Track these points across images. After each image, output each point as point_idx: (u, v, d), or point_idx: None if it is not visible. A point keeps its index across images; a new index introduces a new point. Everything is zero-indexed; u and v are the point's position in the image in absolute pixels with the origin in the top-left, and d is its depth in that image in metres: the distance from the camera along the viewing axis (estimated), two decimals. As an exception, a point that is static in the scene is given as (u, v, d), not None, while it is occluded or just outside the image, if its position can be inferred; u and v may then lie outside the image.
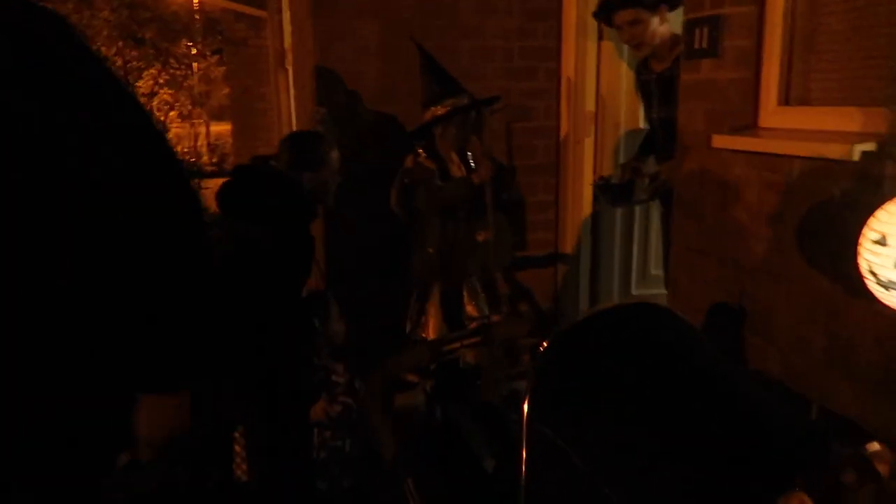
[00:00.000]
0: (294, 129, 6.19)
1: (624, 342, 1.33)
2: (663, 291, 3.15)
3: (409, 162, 2.92)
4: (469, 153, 2.98)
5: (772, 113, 2.03)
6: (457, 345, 1.96)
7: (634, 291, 3.61)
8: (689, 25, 2.24)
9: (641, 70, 2.95)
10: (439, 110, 2.80)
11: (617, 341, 1.33)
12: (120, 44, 13.98)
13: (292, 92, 5.70)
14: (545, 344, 1.27)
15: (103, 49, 13.73)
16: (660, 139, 2.87)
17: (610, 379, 1.29)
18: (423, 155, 2.88)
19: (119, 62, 14.12)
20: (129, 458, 1.31)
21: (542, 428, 1.22)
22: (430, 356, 1.98)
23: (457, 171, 2.92)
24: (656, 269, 3.55)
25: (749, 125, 2.09)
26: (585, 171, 3.47)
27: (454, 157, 2.94)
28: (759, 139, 2.00)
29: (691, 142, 2.31)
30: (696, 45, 2.19)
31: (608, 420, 1.22)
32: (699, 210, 2.34)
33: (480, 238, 3.03)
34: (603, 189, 2.97)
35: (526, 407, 1.22)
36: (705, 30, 2.14)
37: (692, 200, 2.38)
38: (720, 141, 2.11)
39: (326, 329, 2.43)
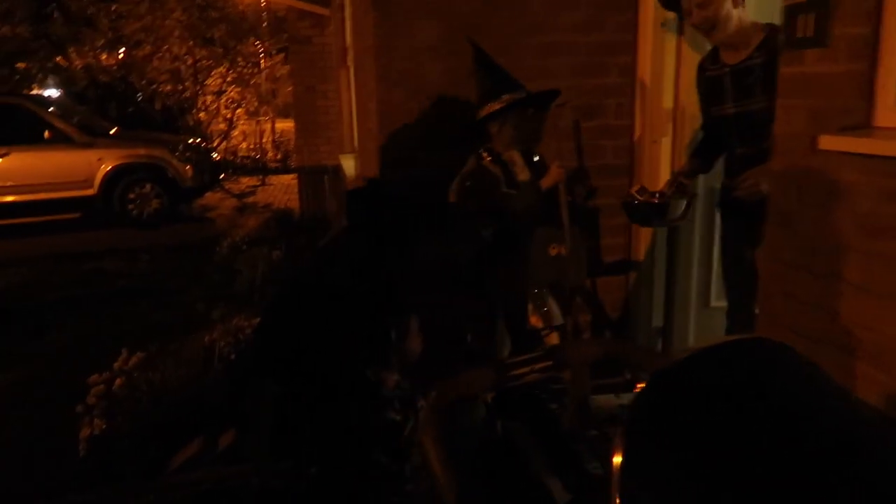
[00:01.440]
0: (354, 127, 6.11)
1: (736, 387, 1.12)
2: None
3: (471, 164, 2.75)
4: (535, 156, 2.79)
5: (891, 110, 1.76)
6: (525, 369, 1.77)
7: (714, 303, 3.34)
8: (791, 11, 1.99)
9: (708, 65, 2.69)
10: (494, 106, 2.63)
11: (727, 386, 1.11)
12: (190, 43, 14.37)
13: (353, 89, 5.63)
14: (640, 386, 1.07)
15: (175, 49, 14.12)
16: (734, 142, 2.63)
17: (722, 433, 1.08)
18: (488, 158, 2.71)
19: (190, 61, 14.51)
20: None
21: (639, 491, 1.02)
22: (494, 381, 1.80)
23: (522, 174, 2.74)
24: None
25: (862, 124, 1.83)
26: (662, 172, 3.22)
27: (517, 158, 2.75)
28: (876, 140, 1.74)
29: (790, 144, 2.06)
30: (800, 34, 1.94)
31: (719, 485, 1.02)
32: (796, 219, 2.09)
33: (553, 252, 2.84)
34: (630, 209, 2.76)
35: (617, 461, 1.04)
36: (811, 16, 1.89)
37: (788, 209, 2.12)
38: (828, 142, 1.85)
39: (402, 344, 2.27)
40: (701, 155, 2.85)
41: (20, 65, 14.28)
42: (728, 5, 2.46)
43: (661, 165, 3.20)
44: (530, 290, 3.06)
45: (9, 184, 8.60)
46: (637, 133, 3.26)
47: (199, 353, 3.80)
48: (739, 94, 2.56)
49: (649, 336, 3.40)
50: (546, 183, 2.71)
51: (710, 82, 2.69)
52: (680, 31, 3.10)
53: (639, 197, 2.71)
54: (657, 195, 2.73)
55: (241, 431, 3.41)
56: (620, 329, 3.47)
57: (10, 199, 8.62)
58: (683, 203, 2.75)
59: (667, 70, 3.14)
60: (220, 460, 3.29)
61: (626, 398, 3.29)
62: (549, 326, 3.09)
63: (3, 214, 8.62)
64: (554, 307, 3.08)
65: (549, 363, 1.87)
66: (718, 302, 3.34)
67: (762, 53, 2.47)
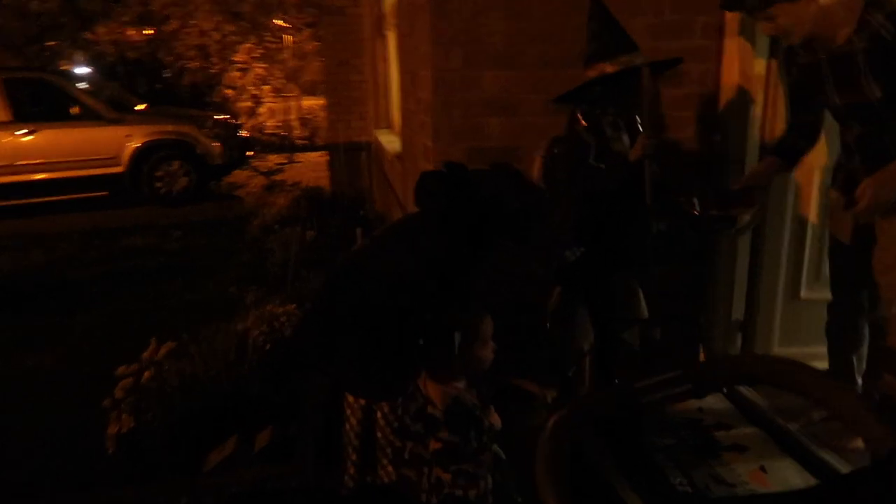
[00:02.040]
0: (393, 100, 5.78)
1: None
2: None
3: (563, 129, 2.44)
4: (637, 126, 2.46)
5: None
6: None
7: (804, 295, 2.98)
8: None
9: (799, 52, 2.31)
10: (608, 68, 2.28)
11: None
12: (218, 18, 14.10)
13: (393, 58, 5.28)
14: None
15: (202, 24, 13.84)
16: (850, 137, 2.28)
17: None
18: (583, 124, 2.38)
19: (217, 37, 14.25)
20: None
21: None
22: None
23: (619, 146, 2.40)
24: (832, 269, 2.91)
25: None
26: (750, 147, 2.85)
27: (613, 130, 2.42)
28: None
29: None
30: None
31: None
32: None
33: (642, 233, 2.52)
34: (690, 219, 2.48)
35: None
36: None
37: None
38: None
39: (469, 350, 1.94)
40: (786, 153, 2.50)
41: (50, 43, 14.15)
42: (798, 10, 2.09)
43: (749, 139, 2.83)
44: (618, 277, 2.73)
45: (37, 161, 8.42)
46: (722, 102, 2.89)
47: (232, 342, 3.54)
48: (844, 86, 2.21)
49: (728, 331, 3.06)
50: (632, 156, 2.37)
51: (806, 72, 2.33)
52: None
53: (697, 209, 2.40)
54: (717, 202, 2.44)
55: (280, 429, 3.15)
56: (694, 324, 3.13)
57: (38, 176, 8.45)
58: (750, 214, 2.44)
59: (759, 31, 2.76)
60: (256, 461, 3.04)
61: (706, 402, 2.96)
62: (637, 319, 2.78)
63: (32, 193, 8.46)
64: (641, 297, 2.76)
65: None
66: (810, 293, 2.99)
67: (862, 38, 2.10)
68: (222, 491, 2.89)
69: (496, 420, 2.01)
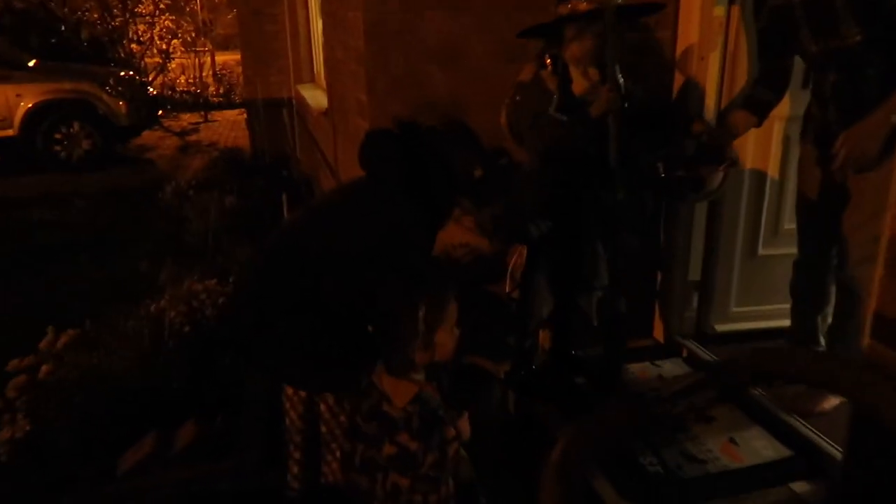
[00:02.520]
0: (317, 51, 5.33)
1: None
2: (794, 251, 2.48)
3: (526, 73, 2.16)
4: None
5: None
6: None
7: (762, 251, 2.85)
8: None
9: None
10: (582, 5, 2.00)
11: None
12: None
13: (315, 2, 4.83)
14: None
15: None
16: (825, 87, 2.11)
17: None
18: (550, 69, 2.10)
19: (119, -17, 13.04)
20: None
21: None
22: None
23: (586, 93, 2.15)
24: (790, 224, 2.78)
25: None
26: (708, 96, 2.65)
27: (583, 78, 2.16)
28: None
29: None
30: None
31: None
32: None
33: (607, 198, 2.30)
34: (654, 183, 2.29)
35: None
36: None
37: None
38: None
39: (430, 337, 1.66)
40: (755, 106, 2.32)
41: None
42: None
43: (707, 87, 2.63)
44: (584, 244, 2.51)
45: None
46: (680, 48, 2.67)
47: (145, 326, 3.15)
48: (820, 29, 2.02)
49: (684, 292, 2.90)
50: (595, 111, 2.12)
51: (776, 15, 2.13)
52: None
53: (661, 171, 2.21)
54: (684, 163, 2.23)
55: (205, 424, 2.82)
56: (650, 285, 2.96)
57: (-86, 141, 7.56)
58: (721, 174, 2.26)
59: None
60: (179, 460, 2.72)
61: (666, 368, 2.82)
62: (597, 286, 2.57)
63: None
64: (603, 264, 2.55)
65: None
66: (768, 249, 2.85)
67: None
68: (141, 496, 2.55)
69: (465, 428, 1.76)
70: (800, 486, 2.08)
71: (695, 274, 2.91)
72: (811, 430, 2.25)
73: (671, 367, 2.77)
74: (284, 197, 3.48)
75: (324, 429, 1.95)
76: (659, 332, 3.02)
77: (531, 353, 2.83)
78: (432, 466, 1.65)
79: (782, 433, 2.29)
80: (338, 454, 1.92)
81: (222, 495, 2.56)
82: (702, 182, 2.16)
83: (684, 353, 2.88)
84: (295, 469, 1.99)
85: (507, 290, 2.82)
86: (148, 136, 10.12)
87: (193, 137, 10.42)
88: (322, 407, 1.93)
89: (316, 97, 4.89)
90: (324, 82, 4.67)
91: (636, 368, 2.74)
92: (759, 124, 2.33)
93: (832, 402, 2.38)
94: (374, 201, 1.80)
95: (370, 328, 1.73)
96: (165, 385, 2.86)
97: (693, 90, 2.66)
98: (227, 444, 2.69)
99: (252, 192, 5.74)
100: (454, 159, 1.83)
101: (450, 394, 1.75)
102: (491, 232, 1.95)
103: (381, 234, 1.75)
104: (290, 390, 1.93)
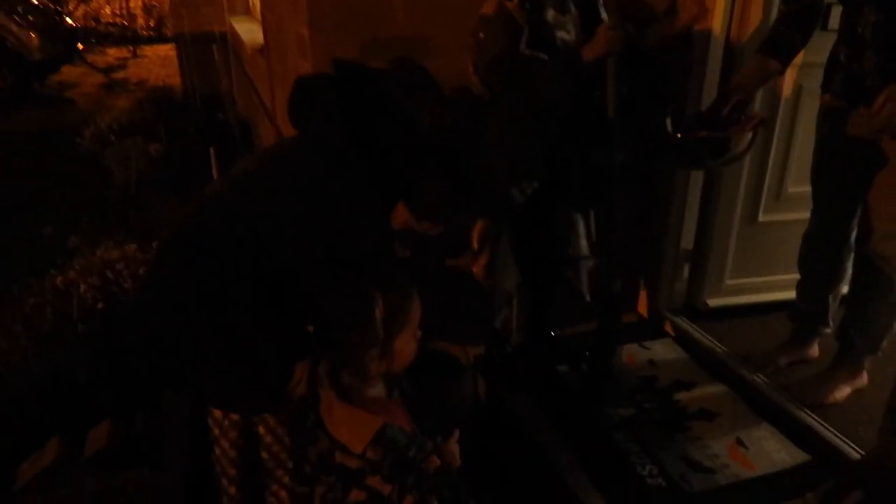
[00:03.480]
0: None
1: None
2: (804, 216, 2.16)
3: (489, 4, 1.73)
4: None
5: None
6: None
7: (762, 217, 2.53)
8: None
9: None
10: None
11: None
12: None
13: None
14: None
15: None
16: (862, 28, 1.75)
17: None
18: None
19: None
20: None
21: None
22: None
23: (564, 36, 1.74)
24: (795, 187, 2.47)
25: None
26: (713, 45, 2.27)
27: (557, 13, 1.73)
28: None
29: None
30: None
31: None
32: None
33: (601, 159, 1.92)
34: (669, 148, 1.91)
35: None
36: None
37: None
38: None
39: (389, 344, 1.28)
40: (780, 50, 1.93)
41: None
42: None
43: (713, 27, 2.24)
44: (561, 212, 2.14)
45: None
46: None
47: (48, 304, 2.67)
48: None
49: (675, 262, 2.58)
50: (589, 53, 1.71)
51: None
52: None
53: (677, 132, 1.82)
54: (701, 120, 1.85)
55: (122, 425, 2.39)
56: (636, 254, 2.62)
57: None
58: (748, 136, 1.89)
59: None
60: (90, 468, 2.29)
61: (656, 350, 2.51)
62: (576, 257, 2.22)
63: None
64: (581, 231, 2.19)
65: None
66: (769, 215, 2.54)
67: None
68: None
69: (453, 453, 1.39)
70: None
71: (687, 242, 2.58)
72: (830, 430, 1.97)
73: (662, 350, 2.46)
74: (213, 151, 2.97)
75: (265, 455, 1.56)
76: (644, 307, 2.70)
77: (503, 334, 2.49)
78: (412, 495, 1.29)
79: (795, 432, 2.01)
80: (286, 480, 1.55)
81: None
82: (726, 145, 1.79)
83: (671, 331, 2.57)
84: (225, 501, 1.60)
85: (471, 264, 2.45)
86: (70, 73, 9.22)
87: (120, 74, 9.55)
88: (261, 429, 1.53)
89: (251, 32, 4.31)
90: (259, 14, 4.09)
91: (623, 351, 2.41)
92: (782, 71, 1.97)
93: (844, 391, 2.11)
94: (301, 170, 1.36)
95: (312, 334, 1.33)
96: (73, 376, 2.40)
97: (696, 34, 2.27)
98: (150, 447, 2.28)
99: (182, 139, 5.14)
100: (414, 109, 1.40)
101: (412, 389, 1.38)
102: (465, 207, 1.55)
103: (322, 213, 1.33)
104: (218, 413, 1.52)
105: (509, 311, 2.46)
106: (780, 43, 1.93)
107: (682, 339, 2.52)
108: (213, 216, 1.39)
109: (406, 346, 1.31)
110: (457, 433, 1.42)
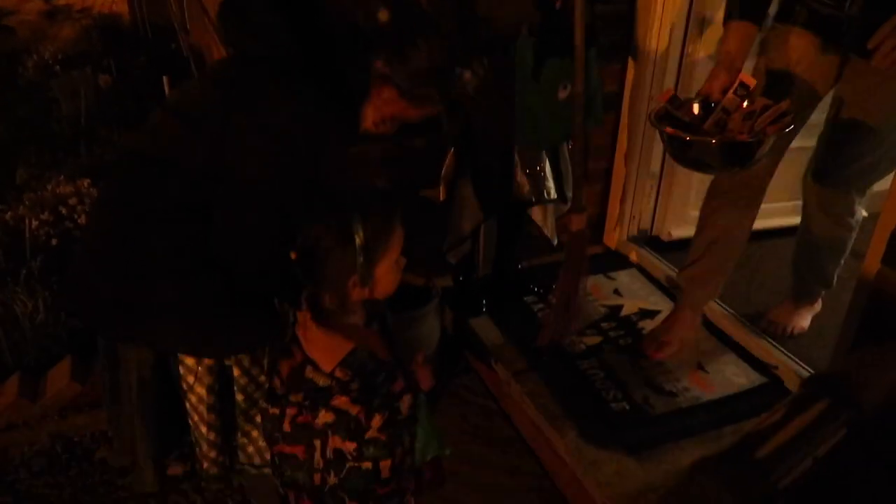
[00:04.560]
0: None
1: None
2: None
3: None
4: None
5: None
6: None
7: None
8: None
9: None
10: None
11: None
12: None
13: None
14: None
15: None
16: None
17: None
18: None
19: None
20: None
21: None
22: None
23: None
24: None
25: None
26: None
27: None
28: None
29: None
30: None
31: None
32: None
33: (563, 94, 1.86)
34: (684, 150, 1.57)
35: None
36: None
37: None
38: None
39: (369, 273, 1.26)
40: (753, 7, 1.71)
41: None
42: None
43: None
44: (519, 147, 2.10)
45: None
46: None
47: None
48: None
49: (641, 192, 2.58)
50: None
51: None
52: None
53: (682, 130, 1.53)
54: (725, 115, 1.55)
55: (84, 365, 2.33)
56: (600, 181, 2.62)
57: None
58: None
59: None
60: (51, 410, 2.24)
61: (621, 280, 2.53)
62: (540, 198, 2.18)
63: None
64: (549, 173, 2.15)
65: None
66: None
67: None
68: (6, 455, 2.10)
69: (424, 377, 1.39)
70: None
71: (652, 173, 2.58)
72: (786, 353, 2.04)
73: (627, 280, 2.48)
74: (166, 80, 2.84)
75: (240, 396, 1.54)
76: (611, 239, 2.71)
77: (471, 265, 2.48)
78: (381, 429, 1.30)
79: (755, 358, 2.07)
80: (259, 420, 1.54)
81: (111, 445, 2.15)
82: (754, 149, 1.49)
83: (636, 261, 2.60)
84: (212, 453, 1.59)
85: (440, 197, 2.41)
86: (5, -1, 8.66)
87: (61, 1, 9.00)
88: (236, 372, 1.51)
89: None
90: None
91: (589, 282, 2.43)
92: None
93: (806, 319, 2.17)
94: (263, 91, 1.29)
95: (290, 262, 1.30)
96: (29, 314, 2.33)
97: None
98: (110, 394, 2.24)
99: (132, 70, 4.91)
100: (349, 6, 1.34)
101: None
102: (421, 95, 1.46)
103: (286, 138, 1.27)
104: (190, 361, 1.48)
105: (472, 247, 2.44)
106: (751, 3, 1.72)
107: (646, 268, 2.56)
108: (155, 148, 1.32)
109: (387, 274, 1.30)
110: (423, 356, 1.43)
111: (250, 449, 1.60)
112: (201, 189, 1.27)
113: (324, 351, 1.27)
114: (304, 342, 1.29)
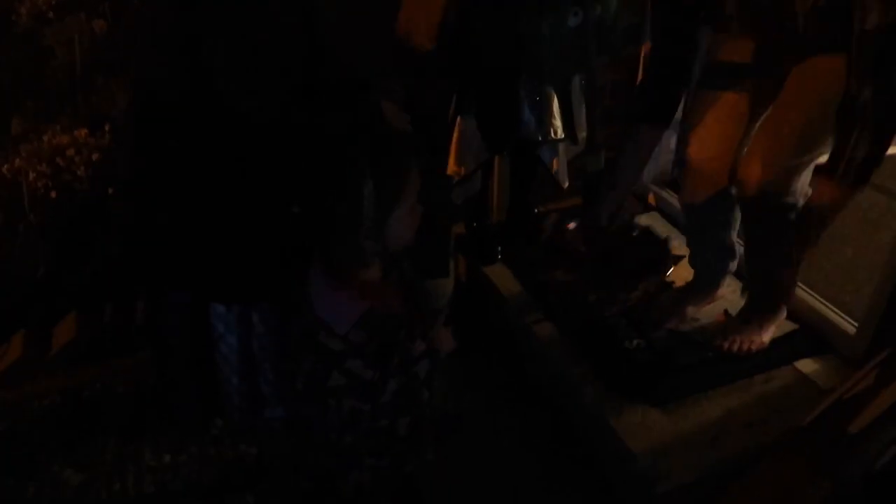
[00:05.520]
0: None
1: None
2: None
3: None
4: None
5: None
6: None
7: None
8: None
9: None
10: None
11: None
12: None
13: None
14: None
15: None
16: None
17: None
18: None
19: None
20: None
21: None
22: None
23: None
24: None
25: None
26: None
27: None
28: None
29: None
30: None
31: None
32: None
33: (574, 23, 1.74)
34: None
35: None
36: None
37: None
38: None
39: (383, 218, 1.18)
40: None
41: None
42: None
43: None
44: (524, 81, 1.97)
45: None
46: None
47: (-4, 194, 2.48)
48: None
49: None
50: None
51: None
52: None
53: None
54: None
55: (90, 316, 2.28)
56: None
57: None
58: None
59: None
60: (60, 364, 2.20)
61: (642, 222, 2.43)
62: (546, 137, 2.06)
63: None
64: (556, 110, 2.02)
65: None
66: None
67: None
68: (15, 411, 2.07)
69: (444, 339, 1.32)
70: (807, 366, 1.80)
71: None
72: (817, 298, 1.95)
73: (649, 224, 2.38)
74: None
75: (255, 344, 1.48)
76: (629, 181, 2.60)
77: (485, 211, 2.39)
78: (398, 393, 1.23)
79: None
80: (270, 377, 1.49)
81: (122, 398, 2.12)
82: None
83: (654, 203, 2.50)
84: (236, 399, 1.54)
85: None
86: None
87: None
88: (254, 318, 1.45)
89: None
90: None
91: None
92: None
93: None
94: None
95: (300, 209, 1.22)
96: (30, 270, 2.27)
97: None
98: (123, 339, 2.19)
99: (128, 14, 4.72)
100: None
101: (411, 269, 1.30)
102: None
103: (298, 60, 1.17)
104: (220, 309, 1.43)
105: (486, 192, 2.34)
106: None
107: (667, 212, 2.46)
108: (171, 80, 1.23)
109: (403, 222, 1.21)
110: (443, 317, 1.36)
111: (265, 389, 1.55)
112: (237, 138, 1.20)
113: (337, 313, 1.19)
114: (316, 305, 1.21)
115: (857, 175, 1.28)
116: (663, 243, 2.21)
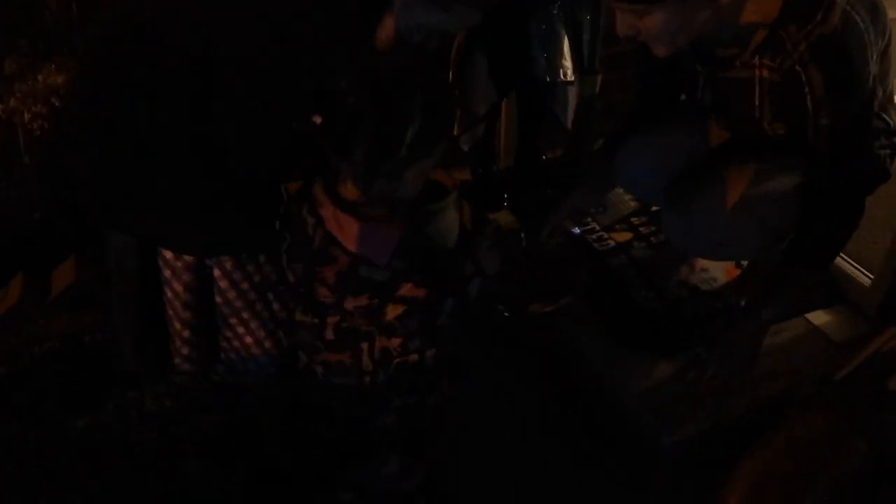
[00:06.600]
0: None
1: None
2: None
3: None
4: None
5: None
6: None
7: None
8: None
9: None
10: None
11: None
12: None
13: None
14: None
15: None
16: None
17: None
18: None
19: None
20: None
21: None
22: None
23: None
24: None
25: None
26: None
27: None
28: None
29: None
30: None
31: None
32: None
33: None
34: None
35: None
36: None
37: None
38: None
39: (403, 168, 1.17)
40: None
41: None
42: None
43: None
44: (534, 20, 1.88)
45: None
46: None
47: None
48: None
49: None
50: None
51: None
52: None
53: None
54: None
55: (89, 260, 2.24)
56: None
57: None
58: None
59: None
60: (58, 308, 2.18)
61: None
62: (555, 78, 1.98)
63: None
64: (567, 50, 1.93)
65: None
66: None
67: None
68: (15, 356, 2.06)
69: (491, 262, 1.33)
70: (818, 318, 1.76)
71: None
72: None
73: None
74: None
75: (219, 300, 1.44)
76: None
77: (491, 156, 2.32)
78: (452, 312, 1.29)
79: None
80: (239, 331, 1.45)
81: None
82: None
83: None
84: (185, 349, 1.51)
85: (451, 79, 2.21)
86: None
87: None
88: (216, 272, 1.40)
89: None
90: None
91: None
92: None
93: None
94: None
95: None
96: (26, 213, 2.23)
97: None
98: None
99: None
100: None
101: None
102: None
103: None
104: (168, 254, 1.38)
105: (492, 137, 2.26)
106: None
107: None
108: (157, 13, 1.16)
109: (418, 178, 1.19)
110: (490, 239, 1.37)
111: (232, 353, 1.51)
112: (201, 70, 1.13)
113: (371, 244, 1.16)
114: (344, 240, 1.17)
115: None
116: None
